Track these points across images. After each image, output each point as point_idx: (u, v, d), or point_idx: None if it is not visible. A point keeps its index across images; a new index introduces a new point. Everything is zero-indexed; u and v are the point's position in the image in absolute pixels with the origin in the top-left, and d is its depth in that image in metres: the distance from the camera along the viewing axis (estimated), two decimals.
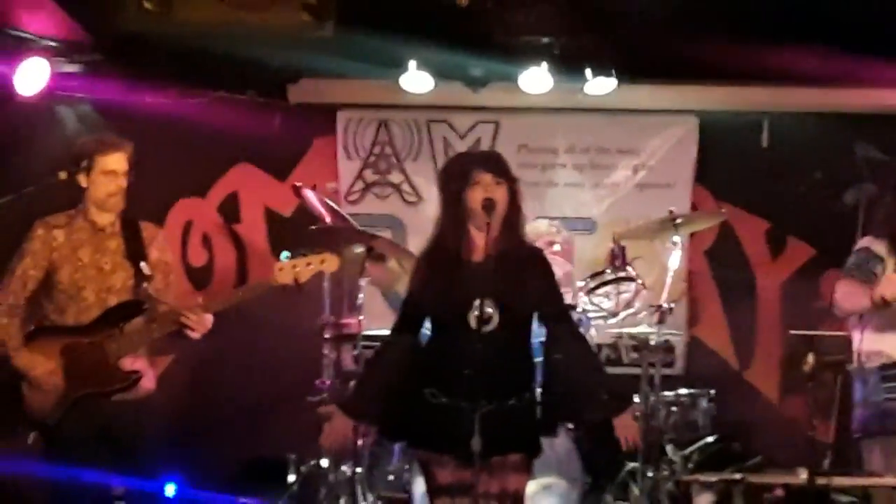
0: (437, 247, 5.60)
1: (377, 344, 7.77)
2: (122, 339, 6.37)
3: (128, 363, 6.40)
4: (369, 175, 9.46)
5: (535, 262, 5.71)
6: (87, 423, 6.33)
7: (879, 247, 6.21)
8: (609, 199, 9.36)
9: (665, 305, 7.82)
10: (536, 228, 7.57)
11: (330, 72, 8.80)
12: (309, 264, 6.36)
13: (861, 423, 6.20)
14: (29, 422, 6.35)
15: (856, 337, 6.20)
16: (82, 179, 6.46)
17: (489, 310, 5.36)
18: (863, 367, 6.19)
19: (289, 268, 6.34)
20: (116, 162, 6.46)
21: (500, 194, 5.50)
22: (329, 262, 6.41)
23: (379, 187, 9.47)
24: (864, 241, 6.35)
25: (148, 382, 6.54)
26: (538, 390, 5.71)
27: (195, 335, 6.42)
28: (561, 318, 5.79)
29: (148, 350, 6.58)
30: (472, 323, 5.32)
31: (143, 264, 6.49)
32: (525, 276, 5.56)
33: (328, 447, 5.61)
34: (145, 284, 6.47)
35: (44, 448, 6.33)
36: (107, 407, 6.37)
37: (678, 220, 7.86)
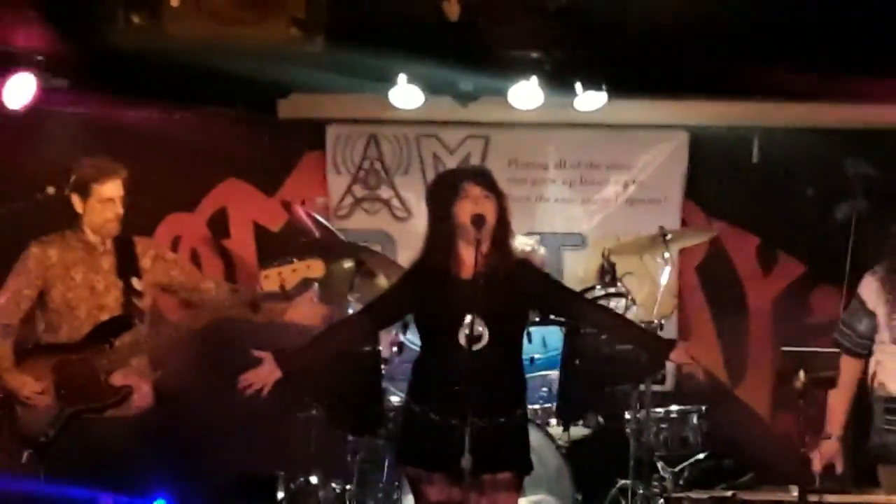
0: (425, 263, 5.58)
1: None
2: (112, 354, 6.37)
3: (120, 379, 6.39)
4: (359, 190, 9.42)
5: (524, 269, 5.72)
6: (80, 440, 6.35)
7: (870, 291, 6.20)
8: (599, 215, 9.34)
9: (655, 321, 7.80)
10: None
11: (319, 87, 8.76)
12: (294, 270, 6.34)
13: (872, 446, 6.20)
14: (22, 440, 6.35)
15: (871, 364, 6.22)
16: (77, 204, 6.48)
17: (479, 327, 5.33)
18: (873, 394, 6.21)
19: (274, 275, 6.32)
20: (113, 189, 6.50)
21: (490, 208, 5.49)
22: (314, 268, 6.38)
23: (368, 202, 9.43)
24: (865, 282, 6.31)
25: (142, 399, 6.55)
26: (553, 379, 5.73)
27: None
28: (573, 297, 5.84)
29: (145, 365, 6.59)
30: (463, 341, 5.30)
31: (133, 280, 6.49)
32: (517, 288, 5.54)
33: (241, 386, 5.61)
34: (136, 300, 6.48)
35: (37, 466, 6.31)
36: (99, 424, 6.38)
37: (669, 236, 7.86)
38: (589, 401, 5.80)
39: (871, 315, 6.11)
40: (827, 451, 6.17)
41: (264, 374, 5.63)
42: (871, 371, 6.15)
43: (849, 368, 6.22)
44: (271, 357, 5.65)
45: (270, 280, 6.33)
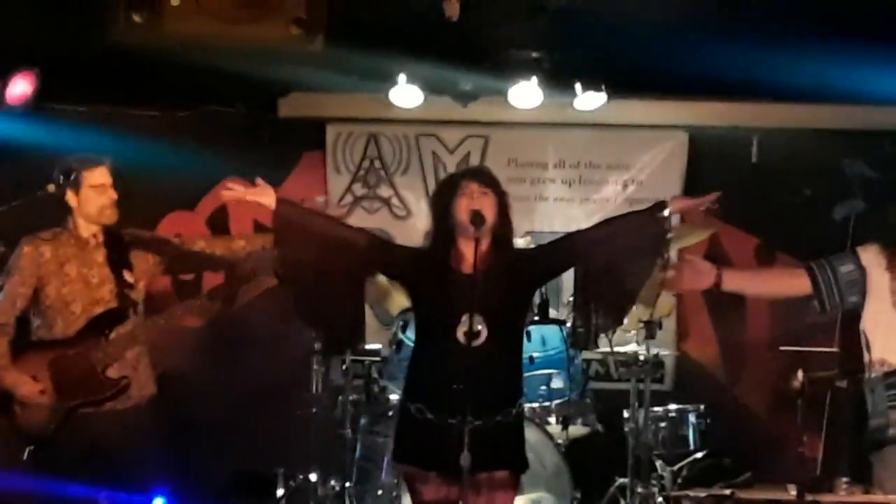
0: (428, 256, 5.59)
1: (366, 358, 7.85)
2: (107, 346, 6.40)
3: (116, 371, 6.42)
4: (358, 189, 9.45)
5: (523, 256, 5.77)
6: (79, 435, 6.37)
7: (869, 251, 6.10)
8: (598, 214, 9.30)
9: (654, 321, 7.81)
10: None
11: (319, 86, 8.79)
12: None
13: (871, 435, 6.09)
14: (22, 437, 6.36)
15: (865, 348, 6.10)
16: (71, 198, 6.48)
17: (478, 324, 5.33)
18: (870, 379, 6.08)
19: None
20: (102, 175, 6.52)
21: (488, 204, 5.50)
22: None
23: (368, 201, 9.46)
24: (865, 246, 6.25)
25: (140, 390, 6.56)
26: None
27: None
28: (571, 238, 5.89)
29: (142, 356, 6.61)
30: (461, 338, 5.30)
31: (125, 272, 6.51)
32: (518, 283, 5.55)
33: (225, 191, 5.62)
34: (128, 291, 6.50)
35: (37, 462, 6.32)
36: (98, 419, 6.40)
37: (669, 236, 7.84)
38: (606, 319, 5.76)
39: (861, 269, 5.96)
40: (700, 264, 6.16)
41: (257, 190, 5.63)
42: (866, 359, 6.03)
43: (797, 281, 6.09)
44: (271, 188, 5.64)
45: None
